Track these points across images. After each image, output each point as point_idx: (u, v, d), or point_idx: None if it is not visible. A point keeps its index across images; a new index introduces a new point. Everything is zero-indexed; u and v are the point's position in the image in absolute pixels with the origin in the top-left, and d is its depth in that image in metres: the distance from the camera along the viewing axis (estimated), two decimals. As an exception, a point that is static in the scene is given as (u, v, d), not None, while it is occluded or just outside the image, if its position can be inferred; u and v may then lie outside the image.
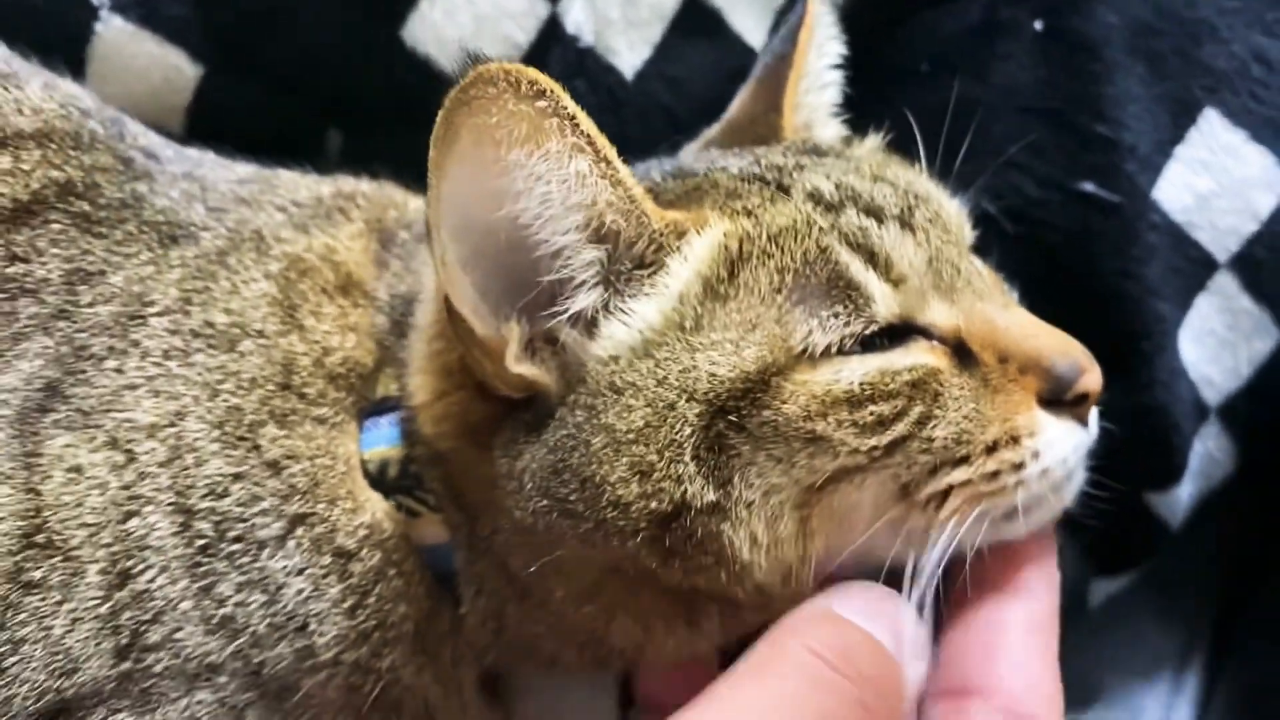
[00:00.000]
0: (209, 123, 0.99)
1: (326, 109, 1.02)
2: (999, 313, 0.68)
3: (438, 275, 0.64)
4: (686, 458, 0.63)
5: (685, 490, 0.63)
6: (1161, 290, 0.95)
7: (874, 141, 0.82)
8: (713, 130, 0.85)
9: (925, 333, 0.67)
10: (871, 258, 0.67)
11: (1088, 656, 1.10)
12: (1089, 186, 0.94)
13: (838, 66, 0.85)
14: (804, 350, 0.64)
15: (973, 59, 0.99)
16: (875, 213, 0.69)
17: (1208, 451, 1.00)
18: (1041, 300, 0.93)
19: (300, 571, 0.69)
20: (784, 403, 0.63)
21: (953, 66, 1.00)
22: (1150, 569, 1.07)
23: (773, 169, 0.72)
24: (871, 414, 0.64)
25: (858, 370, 0.64)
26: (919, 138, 0.78)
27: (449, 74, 0.62)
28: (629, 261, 0.66)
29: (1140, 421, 0.96)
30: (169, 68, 0.98)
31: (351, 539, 0.70)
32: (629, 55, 0.99)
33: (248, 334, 0.73)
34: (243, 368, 0.72)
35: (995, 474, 0.65)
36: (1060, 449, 0.66)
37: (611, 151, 0.64)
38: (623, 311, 0.66)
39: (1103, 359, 0.93)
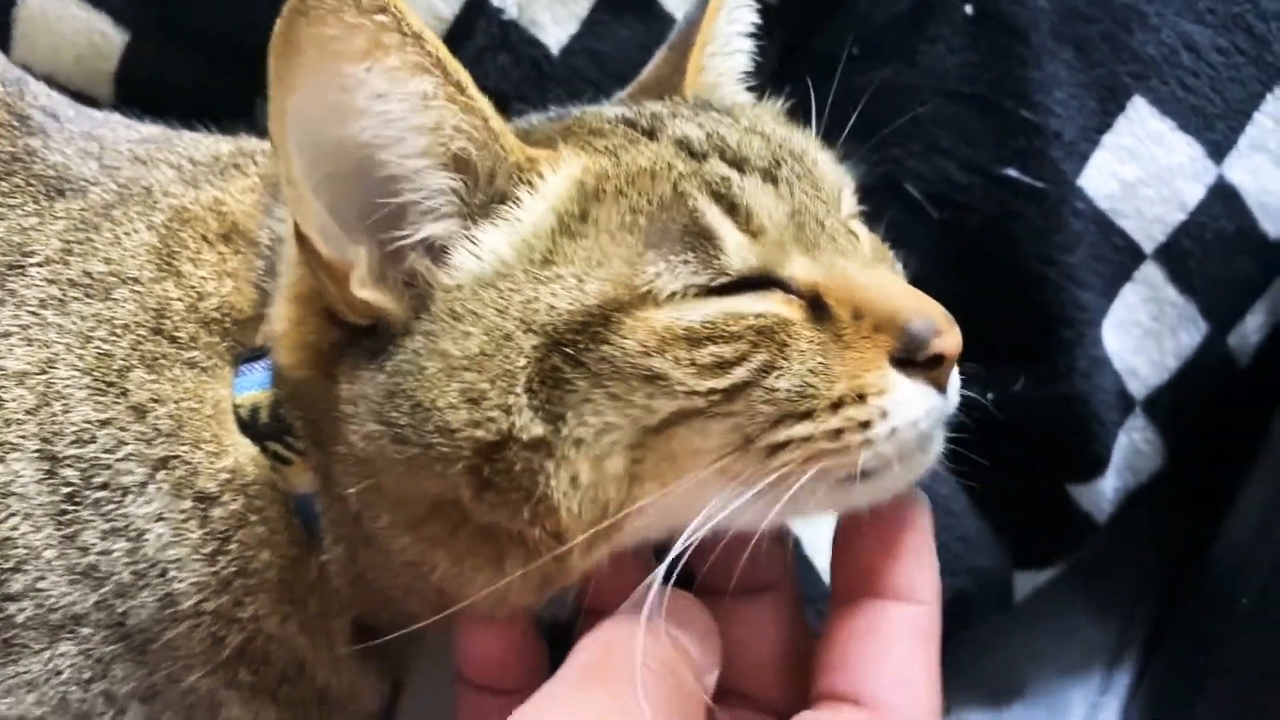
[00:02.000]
0: (138, 90, 0.99)
1: (257, 77, 1.01)
2: (860, 270, 0.67)
3: (285, 195, 0.63)
4: (518, 389, 0.62)
5: (513, 422, 0.62)
6: (1084, 278, 0.94)
7: (772, 105, 0.81)
8: (622, 95, 0.85)
9: (784, 285, 0.66)
10: (731, 208, 0.66)
11: (1012, 651, 1.09)
12: (1013, 172, 0.94)
13: (750, 35, 0.84)
14: (649, 291, 0.63)
15: (902, 43, 0.99)
16: (739, 163, 0.68)
17: (1133, 444, 0.99)
18: (963, 285, 0.93)
19: (160, 517, 0.69)
20: (623, 338, 0.62)
21: (882, 51, 0.99)
22: (1086, 562, 1.06)
23: (647, 115, 0.72)
24: (711, 355, 0.62)
25: (701, 310, 0.63)
26: (813, 112, 0.76)
27: None
28: (483, 193, 0.65)
29: (1059, 411, 0.95)
30: (94, 33, 0.98)
31: (213, 482, 0.69)
32: (554, 30, 0.98)
33: (123, 281, 0.73)
34: (116, 314, 0.72)
35: (839, 432, 0.63)
36: (910, 410, 0.64)
37: (465, 77, 0.63)
38: (473, 241, 0.65)
39: (1022, 346, 0.96)
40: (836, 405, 0.63)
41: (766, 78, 0.86)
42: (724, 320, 0.63)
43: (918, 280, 0.94)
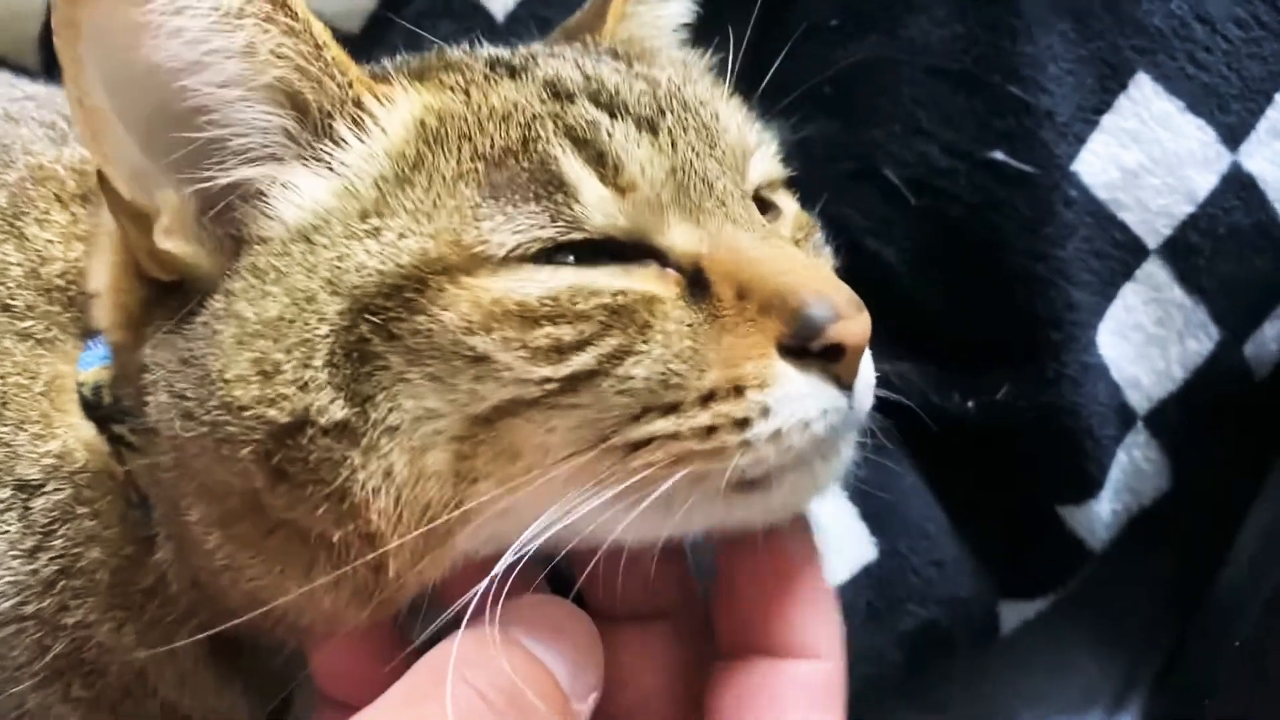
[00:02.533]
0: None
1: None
2: (752, 241, 0.58)
3: (76, 125, 0.56)
4: (317, 361, 0.54)
5: (311, 403, 0.54)
6: (1077, 275, 0.85)
7: (697, 58, 0.74)
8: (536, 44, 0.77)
9: (661, 256, 0.58)
10: (597, 157, 0.58)
11: (1001, 690, 0.99)
12: (999, 155, 0.86)
13: None
14: (480, 251, 0.55)
15: (884, 13, 0.90)
16: (613, 108, 0.60)
17: (1134, 463, 0.89)
18: (943, 279, 0.88)
19: None
20: (442, 308, 0.54)
21: (863, 21, 0.91)
22: (1086, 593, 0.96)
23: (520, 55, 0.64)
24: (546, 337, 0.54)
25: (543, 282, 0.55)
26: (730, 64, 0.69)
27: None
28: (308, 132, 0.58)
29: (1047, 423, 0.86)
30: (15, -5, 0.93)
31: (34, 469, 0.63)
32: None
33: None
34: None
35: (711, 430, 0.54)
36: (800, 409, 0.55)
37: None
38: (291, 187, 0.58)
39: (1006, 349, 0.87)
40: (708, 399, 0.54)
41: (741, 47, 0.78)
42: (569, 296, 0.55)
43: (892, 273, 0.89)
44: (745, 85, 0.72)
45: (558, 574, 0.60)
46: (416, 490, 0.55)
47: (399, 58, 0.68)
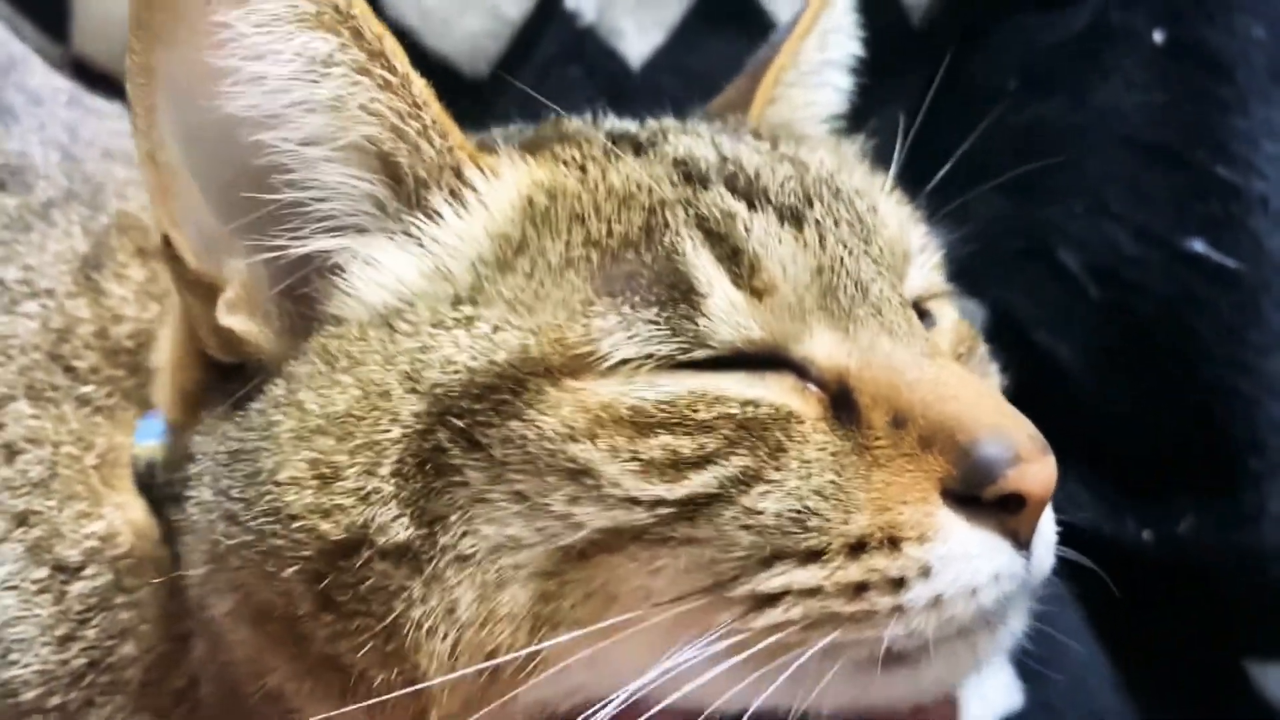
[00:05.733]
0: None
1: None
2: (914, 359, 0.49)
3: (146, 182, 0.51)
4: (384, 470, 0.47)
5: (371, 518, 0.47)
6: None
7: (851, 145, 0.67)
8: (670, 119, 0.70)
9: (799, 369, 0.50)
10: (733, 254, 0.50)
11: None
12: (1200, 245, 0.78)
13: (851, 70, 0.70)
14: (589, 353, 0.48)
15: (1071, 75, 0.84)
16: (751, 196, 0.52)
17: (1344, 619, 0.77)
18: (1123, 386, 0.80)
19: (10, 584, 0.58)
20: (542, 413, 0.47)
21: (1047, 84, 0.84)
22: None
23: (650, 130, 0.58)
24: (662, 448, 0.46)
25: (659, 386, 0.47)
26: (898, 145, 0.61)
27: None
28: (399, 201, 0.52)
29: (1240, 564, 0.77)
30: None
31: (75, 550, 0.58)
32: (637, 40, 0.87)
33: (34, 293, 0.64)
34: (15, 331, 0.62)
35: (861, 589, 0.45)
36: (967, 571, 0.46)
37: (390, 44, 0.50)
38: (374, 264, 0.52)
39: (1194, 474, 0.79)
40: (857, 548, 0.46)
41: (905, 113, 0.71)
42: (690, 402, 0.47)
43: (1064, 373, 0.79)
44: (908, 165, 0.64)
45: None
46: (483, 634, 0.47)
47: (511, 127, 0.62)
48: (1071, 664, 0.79)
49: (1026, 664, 0.77)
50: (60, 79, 0.82)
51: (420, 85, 0.51)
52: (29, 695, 0.58)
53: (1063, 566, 0.74)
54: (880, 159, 0.64)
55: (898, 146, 0.61)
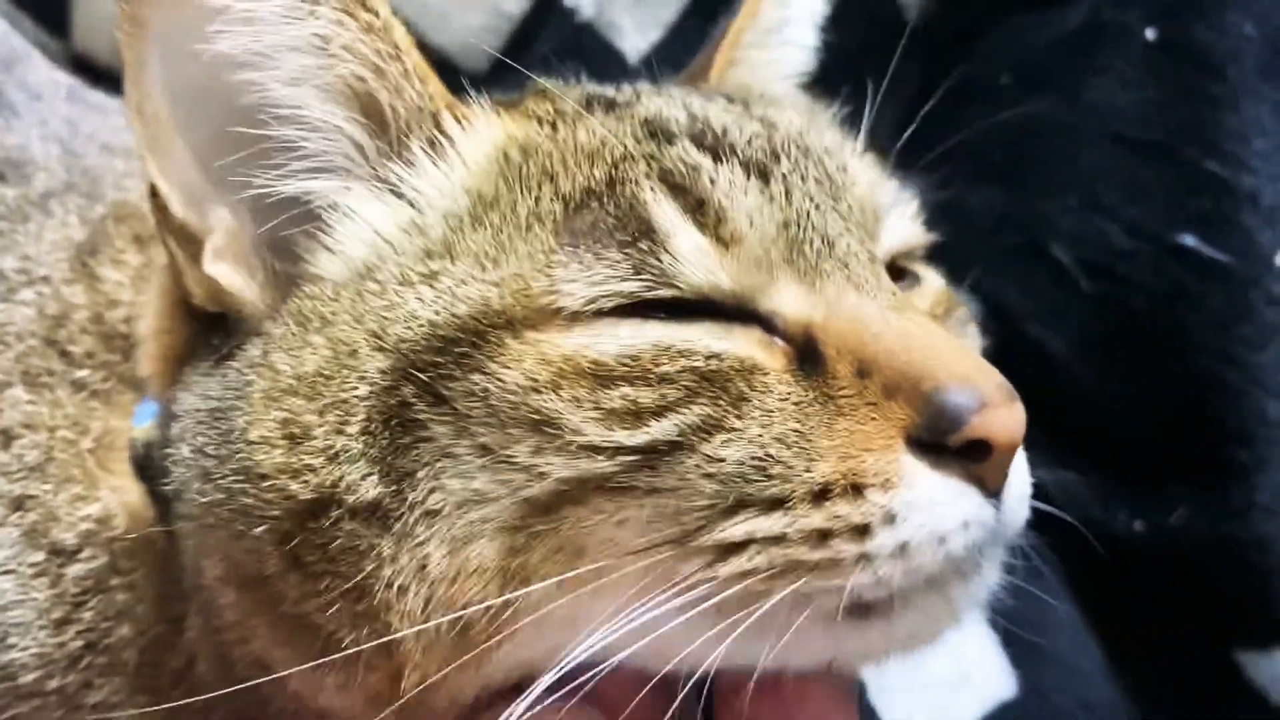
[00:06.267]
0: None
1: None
2: (879, 312, 0.49)
3: (134, 134, 0.52)
4: (352, 428, 0.48)
5: (340, 477, 0.47)
6: (1276, 385, 0.75)
7: (830, 111, 0.67)
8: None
9: (765, 323, 0.50)
10: (698, 205, 0.50)
11: None
12: (1190, 240, 0.77)
13: (817, 27, 0.71)
14: (551, 303, 0.48)
15: (1064, 72, 0.84)
16: (718, 150, 0.53)
17: (1333, 610, 0.77)
18: (1115, 378, 0.80)
19: (6, 569, 0.59)
20: (504, 366, 0.47)
21: (1040, 80, 0.84)
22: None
23: (626, 92, 0.58)
24: (622, 398, 0.46)
25: (624, 339, 0.48)
26: (868, 108, 0.61)
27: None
28: (380, 142, 0.53)
29: (1230, 555, 0.76)
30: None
31: (71, 533, 0.59)
32: (635, 36, 0.88)
33: (31, 281, 0.64)
34: (12, 318, 0.63)
35: (825, 536, 0.45)
36: (933, 518, 0.46)
37: None
38: (353, 215, 0.53)
39: (1185, 466, 0.78)
40: (820, 496, 0.46)
41: (876, 98, 0.72)
42: (653, 356, 0.47)
43: (1056, 365, 0.79)
44: (901, 147, 0.64)
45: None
46: (454, 589, 0.48)
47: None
48: (1064, 653, 0.78)
49: (1019, 653, 0.78)
50: (61, 74, 0.82)
51: (401, 32, 0.53)
52: (27, 678, 0.58)
53: (1054, 556, 0.75)
54: (879, 152, 0.65)
55: (867, 108, 0.61)
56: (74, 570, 0.59)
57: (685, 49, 0.87)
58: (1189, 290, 0.77)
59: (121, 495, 0.59)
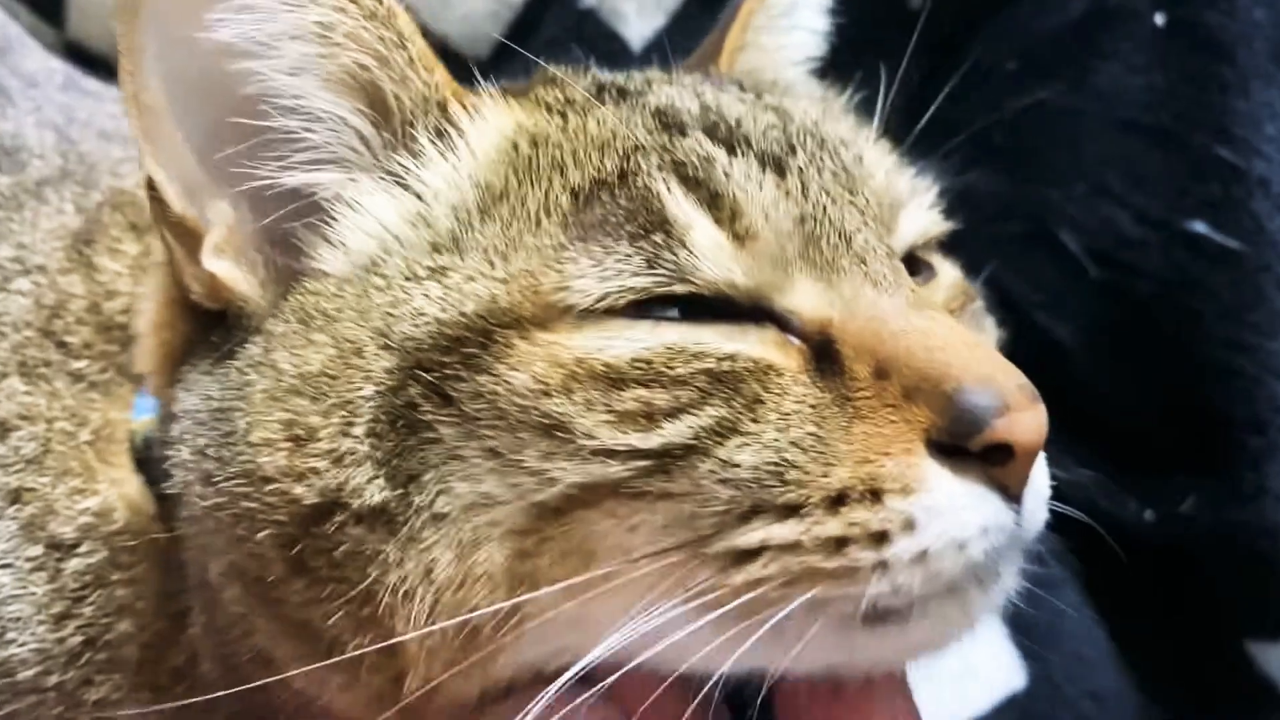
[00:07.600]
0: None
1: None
2: (898, 310, 0.48)
3: (131, 125, 0.51)
4: (358, 430, 0.47)
5: (345, 480, 0.46)
6: None
7: (843, 99, 0.66)
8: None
9: (781, 321, 0.49)
10: (712, 199, 0.49)
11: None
12: (1200, 226, 0.77)
13: (828, 10, 0.70)
14: (561, 300, 0.47)
15: (1071, 58, 0.82)
16: (732, 142, 0.51)
17: (1345, 599, 0.77)
18: (1124, 367, 0.79)
19: (4, 563, 0.58)
20: (512, 368, 0.46)
21: (1046, 66, 0.83)
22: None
23: (638, 80, 0.57)
24: (635, 400, 0.45)
25: (636, 341, 0.46)
26: (880, 101, 0.60)
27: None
28: (385, 133, 0.52)
29: (1240, 543, 0.76)
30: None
31: (69, 527, 0.58)
32: (638, 22, 0.87)
33: (27, 270, 0.64)
34: (7, 308, 0.62)
35: (841, 543, 0.44)
36: (954, 524, 0.45)
37: None
38: (357, 208, 0.52)
39: (1195, 454, 0.78)
40: (836, 502, 0.45)
41: (893, 85, 0.71)
42: (666, 359, 0.46)
43: (1063, 353, 0.79)
44: (904, 133, 0.63)
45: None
46: (461, 594, 0.47)
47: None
48: (1073, 643, 0.78)
49: (1028, 644, 0.77)
50: (56, 62, 0.82)
51: (405, 19, 0.52)
52: (26, 674, 0.57)
53: (1063, 546, 0.75)
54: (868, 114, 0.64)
55: (880, 96, 0.60)
56: (73, 564, 0.58)
57: (689, 35, 0.86)
58: (1199, 277, 0.76)
59: (121, 488, 0.59)
